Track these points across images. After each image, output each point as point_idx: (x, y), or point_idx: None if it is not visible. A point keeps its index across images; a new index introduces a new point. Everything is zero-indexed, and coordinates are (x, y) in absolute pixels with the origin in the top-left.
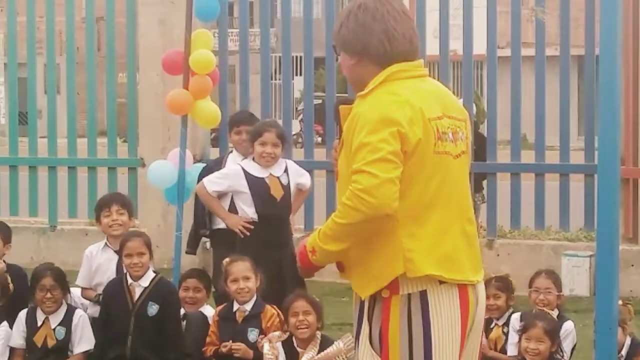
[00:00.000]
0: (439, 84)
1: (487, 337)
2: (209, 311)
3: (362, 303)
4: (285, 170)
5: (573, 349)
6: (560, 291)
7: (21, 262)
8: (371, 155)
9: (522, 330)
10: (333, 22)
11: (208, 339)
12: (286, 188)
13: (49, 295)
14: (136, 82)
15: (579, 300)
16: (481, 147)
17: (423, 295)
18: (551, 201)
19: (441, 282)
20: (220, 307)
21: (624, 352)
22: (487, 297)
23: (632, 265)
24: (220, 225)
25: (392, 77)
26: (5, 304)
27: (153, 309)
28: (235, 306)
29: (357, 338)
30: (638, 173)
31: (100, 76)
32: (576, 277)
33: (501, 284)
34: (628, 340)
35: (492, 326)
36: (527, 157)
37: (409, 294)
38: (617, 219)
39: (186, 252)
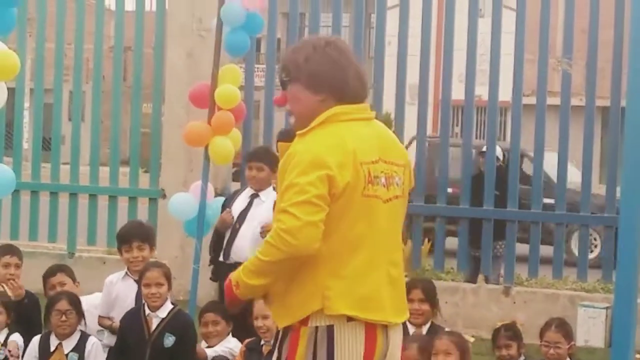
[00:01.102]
0: (385, 128)
1: None
2: (233, 344)
3: (277, 333)
4: None
5: None
6: (572, 341)
7: (38, 288)
8: (297, 197)
9: None
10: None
11: None
12: None
13: (64, 318)
14: (161, 114)
15: (593, 351)
16: (502, 195)
17: (330, 329)
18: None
19: (349, 320)
20: (249, 339)
21: None
22: (499, 348)
23: None
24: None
25: (334, 119)
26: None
27: (169, 340)
28: (263, 340)
29: None
30: None
31: (125, 106)
32: (592, 328)
33: (511, 333)
34: None
35: None
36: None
37: (317, 327)
38: (637, 271)
39: (210, 279)
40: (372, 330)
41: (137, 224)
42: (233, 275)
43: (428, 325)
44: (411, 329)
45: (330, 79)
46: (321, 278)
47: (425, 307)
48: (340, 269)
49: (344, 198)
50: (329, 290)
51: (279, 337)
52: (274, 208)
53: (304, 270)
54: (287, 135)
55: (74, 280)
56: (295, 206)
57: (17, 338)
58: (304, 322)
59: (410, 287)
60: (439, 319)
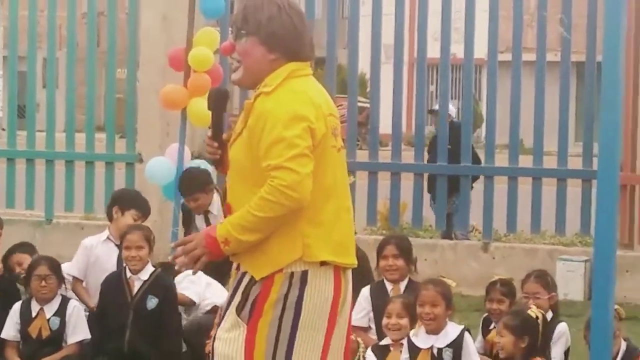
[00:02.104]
0: (317, 82)
1: (484, 337)
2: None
3: (240, 279)
4: None
5: (567, 352)
6: (552, 292)
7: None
8: (289, 151)
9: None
10: (335, 23)
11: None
12: None
13: (43, 283)
14: (136, 79)
15: (573, 304)
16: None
17: (304, 274)
18: (547, 206)
19: (321, 264)
20: None
21: (619, 357)
22: (492, 301)
23: (628, 272)
24: None
25: (292, 75)
26: None
27: (152, 302)
28: None
29: (227, 306)
30: (635, 179)
31: (100, 71)
32: (571, 282)
33: (505, 289)
34: (624, 345)
35: (490, 327)
36: (524, 161)
37: (292, 272)
38: (615, 225)
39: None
40: (339, 273)
41: (137, 192)
42: (220, 232)
43: (406, 281)
44: (388, 286)
45: (288, 41)
46: (300, 226)
47: (400, 262)
48: (316, 216)
49: (320, 149)
50: (308, 238)
51: (243, 282)
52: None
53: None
54: (220, 95)
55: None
56: (291, 160)
57: None
58: (279, 269)
59: (383, 243)
60: (416, 276)
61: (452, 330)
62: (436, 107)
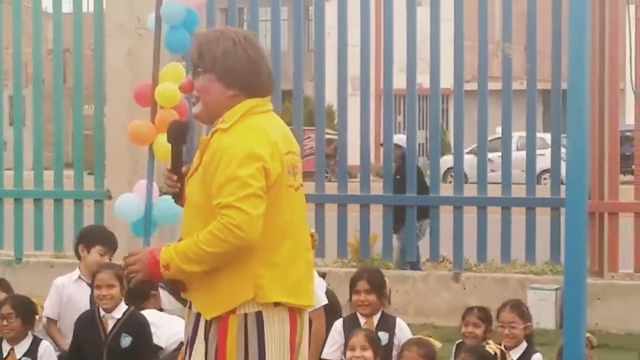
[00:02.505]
0: (279, 118)
1: None
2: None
3: (197, 319)
4: None
5: None
6: (527, 322)
7: None
8: (241, 191)
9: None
10: (301, 55)
11: None
12: None
13: (5, 322)
14: (103, 114)
15: (545, 333)
16: (421, 182)
17: (259, 315)
18: (517, 234)
19: (275, 305)
20: None
21: None
22: (467, 325)
23: (598, 299)
24: None
25: (251, 112)
26: None
27: (126, 340)
28: None
29: (189, 353)
30: (604, 207)
31: (67, 108)
32: (542, 310)
33: (482, 314)
34: None
35: None
36: (493, 190)
37: (246, 314)
38: (585, 252)
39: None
40: (294, 313)
41: (104, 228)
42: (163, 256)
43: (379, 315)
44: (361, 319)
45: (244, 76)
46: (252, 267)
47: (372, 297)
48: (270, 257)
49: (275, 189)
50: (260, 279)
51: (200, 327)
52: None
53: (233, 261)
54: (179, 128)
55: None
56: (242, 200)
57: None
58: (232, 310)
59: (355, 278)
60: (389, 308)
61: None
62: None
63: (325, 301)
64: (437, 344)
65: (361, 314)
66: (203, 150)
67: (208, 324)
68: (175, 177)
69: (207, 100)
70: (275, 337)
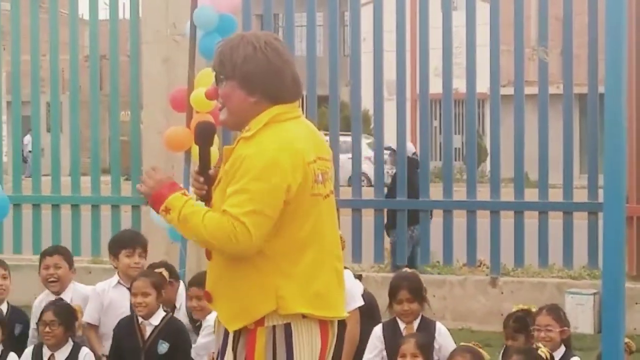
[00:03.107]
0: (310, 123)
1: None
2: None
3: (226, 333)
4: None
5: None
6: (565, 326)
7: (24, 301)
8: (248, 206)
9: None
10: (336, 60)
11: None
12: None
13: (47, 329)
14: (140, 120)
15: (583, 338)
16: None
17: (287, 327)
18: (554, 239)
19: (304, 316)
20: None
21: None
22: (507, 338)
23: (637, 303)
24: None
25: (275, 119)
26: (6, 343)
27: (163, 347)
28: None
29: None
30: None
31: (103, 114)
32: (580, 315)
33: (518, 325)
34: None
35: None
36: (530, 195)
37: (274, 326)
38: (623, 257)
39: None
40: (325, 325)
41: (135, 232)
42: (170, 201)
43: (419, 320)
44: (401, 325)
45: (266, 82)
46: (272, 278)
47: (414, 305)
48: (290, 268)
49: (295, 200)
50: (282, 290)
51: (229, 339)
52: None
53: (253, 271)
54: (206, 129)
55: (70, 264)
56: (247, 215)
57: (13, 356)
58: (260, 322)
59: (396, 287)
60: (428, 312)
61: None
62: (392, 146)
63: (360, 302)
64: (487, 356)
65: (403, 322)
66: (226, 159)
67: (236, 336)
68: (202, 179)
69: (231, 108)
70: (304, 349)
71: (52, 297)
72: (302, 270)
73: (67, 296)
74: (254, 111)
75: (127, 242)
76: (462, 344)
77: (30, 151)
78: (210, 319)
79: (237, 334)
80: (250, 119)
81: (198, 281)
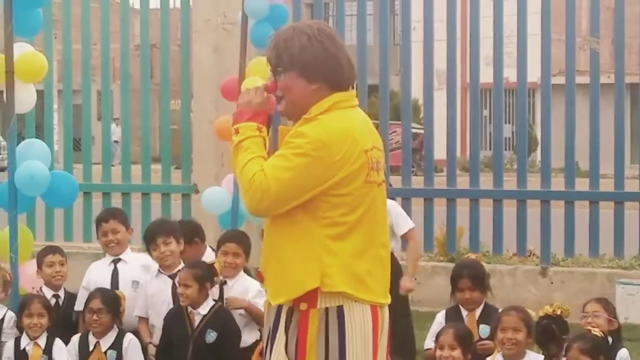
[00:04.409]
0: (364, 113)
1: None
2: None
3: (278, 313)
4: None
5: None
6: (613, 317)
7: (76, 287)
8: (284, 173)
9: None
10: (387, 49)
11: None
12: None
13: (95, 317)
14: (190, 109)
15: (633, 328)
16: None
17: (340, 310)
18: (605, 229)
19: (356, 300)
20: None
21: None
22: (586, 316)
23: None
24: None
25: (337, 106)
26: (53, 327)
27: (211, 336)
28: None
29: (271, 345)
30: None
31: (153, 103)
32: (631, 305)
33: (602, 304)
34: None
35: None
36: (580, 185)
37: (327, 308)
38: None
39: None
40: (376, 311)
41: (158, 221)
42: (245, 128)
43: (481, 307)
44: (464, 312)
45: (325, 68)
46: (318, 256)
47: (475, 294)
48: (337, 249)
49: (347, 185)
50: (328, 268)
51: (282, 319)
52: None
53: (301, 250)
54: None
55: (127, 226)
56: (277, 182)
57: (58, 343)
58: (312, 303)
59: (457, 275)
60: (492, 299)
61: (533, 359)
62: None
63: (412, 224)
64: (532, 312)
65: (466, 309)
66: (282, 138)
67: (289, 317)
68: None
69: (292, 98)
70: (356, 332)
71: (109, 262)
72: (347, 253)
73: (127, 257)
74: (315, 99)
75: (148, 236)
76: (507, 307)
77: (116, 141)
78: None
79: (290, 315)
80: (310, 107)
81: (234, 237)
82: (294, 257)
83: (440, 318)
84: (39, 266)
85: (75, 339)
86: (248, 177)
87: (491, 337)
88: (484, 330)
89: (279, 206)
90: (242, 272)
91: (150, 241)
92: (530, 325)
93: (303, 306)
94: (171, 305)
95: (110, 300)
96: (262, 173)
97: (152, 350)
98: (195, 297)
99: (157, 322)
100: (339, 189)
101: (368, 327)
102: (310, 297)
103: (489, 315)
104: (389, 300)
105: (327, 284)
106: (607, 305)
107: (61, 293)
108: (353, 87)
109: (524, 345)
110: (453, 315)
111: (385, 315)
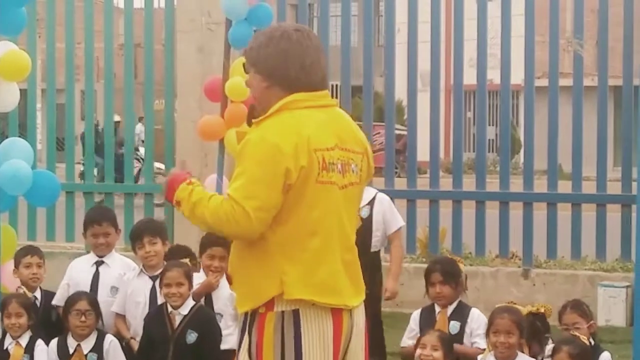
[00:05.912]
0: (345, 116)
1: None
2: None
3: (245, 316)
4: (371, 203)
5: None
6: (591, 320)
7: (57, 287)
8: (248, 188)
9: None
10: (371, 51)
11: None
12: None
13: (83, 319)
14: (173, 109)
15: (615, 330)
16: None
17: (295, 313)
18: (587, 231)
19: (313, 304)
20: None
21: None
22: (567, 329)
23: None
24: None
25: (290, 106)
26: (40, 328)
27: (192, 336)
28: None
29: (239, 346)
30: None
31: (137, 103)
32: (612, 308)
33: (579, 312)
34: None
35: None
36: (563, 187)
37: (283, 312)
38: None
39: None
40: (338, 313)
41: (146, 220)
42: (179, 193)
43: (454, 305)
44: (437, 309)
45: (275, 69)
46: (278, 263)
47: (446, 289)
48: (296, 253)
49: (298, 185)
50: (286, 276)
51: (247, 322)
52: None
53: (262, 256)
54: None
55: (116, 228)
56: (247, 199)
57: (40, 344)
58: (269, 307)
59: (429, 270)
60: (465, 297)
61: None
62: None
63: (402, 223)
64: (523, 310)
65: (438, 305)
66: (240, 140)
67: (251, 320)
68: None
69: (253, 94)
70: (313, 336)
71: (93, 262)
72: (307, 257)
73: (110, 260)
74: (270, 98)
75: (134, 235)
76: (498, 306)
77: (142, 140)
78: None
79: (252, 318)
80: (269, 106)
81: (220, 241)
82: (257, 264)
83: (415, 316)
84: (16, 265)
85: (54, 342)
86: (216, 211)
87: (462, 334)
88: (454, 326)
89: (265, 218)
90: None
91: (136, 239)
92: (523, 327)
93: (262, 309)
94: (146, 307)
95: (95, 301)
96: (225, 201)
97: (135, 345)
98: (187, 295)
99: (131, 320)
100: (290, 189)
101: (327, 329)
102: (269, 301)
103: (461, 313)
104: (359, 302)
105: (286, 292)
106: (584, 312)
107: (37, 294)
108: (324, 88)
109: (516, 348)
110: (427, 313)
111: (355, 317)
